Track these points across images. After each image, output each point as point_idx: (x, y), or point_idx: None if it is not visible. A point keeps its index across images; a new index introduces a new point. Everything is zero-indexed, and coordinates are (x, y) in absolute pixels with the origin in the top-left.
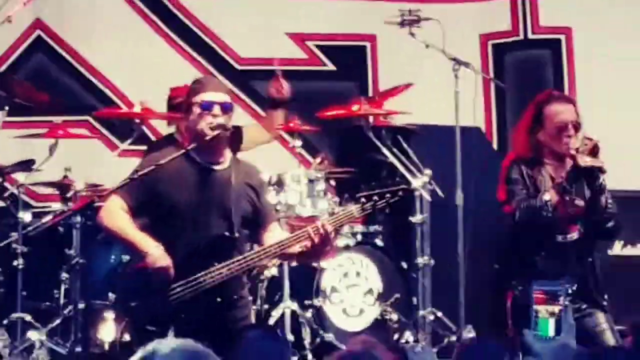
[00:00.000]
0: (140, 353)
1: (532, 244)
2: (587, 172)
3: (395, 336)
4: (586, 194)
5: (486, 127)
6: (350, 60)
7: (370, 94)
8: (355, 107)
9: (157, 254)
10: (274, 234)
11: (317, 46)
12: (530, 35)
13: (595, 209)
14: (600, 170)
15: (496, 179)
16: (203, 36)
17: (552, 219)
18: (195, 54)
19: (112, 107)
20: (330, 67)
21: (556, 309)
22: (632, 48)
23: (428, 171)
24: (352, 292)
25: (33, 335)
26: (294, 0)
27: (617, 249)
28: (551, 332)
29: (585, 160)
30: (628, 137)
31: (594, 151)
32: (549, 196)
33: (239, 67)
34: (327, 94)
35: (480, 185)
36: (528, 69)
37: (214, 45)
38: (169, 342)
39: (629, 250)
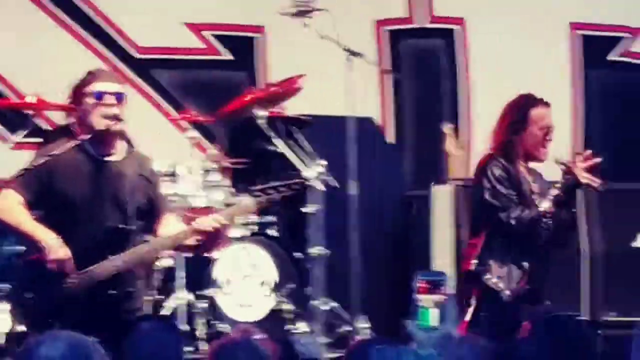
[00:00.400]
0: (26, 345)
1: (513, 245)
2: (578, 187)
3: (289, 326)
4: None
5: (382, 116)
6: (246, 50)
7: (264, 84)
8: (249, 98)
9: (55, 244)
10: (169, 225)
11: (214, 36)
12: (425, 24)
13: (561, 220)
14: (596, 190)
15: (390, 169)
16: (102, 25)
17: (548, 230)
18: (94, 44)
19: (4, 98)
20: (226, 57)
21: (439, 298)
22: (524, 40)
23: (322, 161)
24: (246, 283)
25: None
26: None
27: None
28: (434, 321)
29: (584, 177)
30: None
31: (592, 168)
32: (547, 205)
33: (138, 56)
34: (223, 83)
35: (374, 175)
36: (423, 58)
37: (113, 34)
38: (54, 334)
39: None
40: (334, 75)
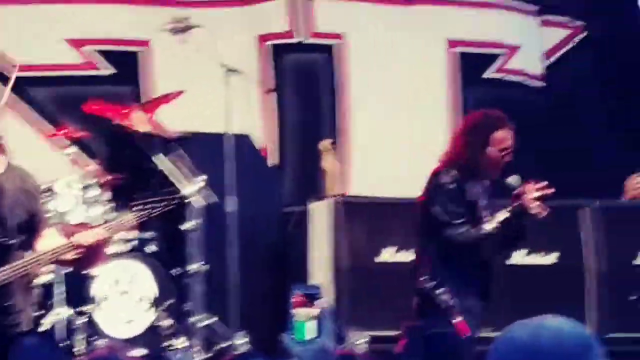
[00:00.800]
0: None
1: (464, 261)
2: (525, 214)
3: (168, 342)
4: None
5: (263, 132)
6: (127, 65)
7: (145, 99)
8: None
9: None
10: (49, 240)
11: (95, 51)
12: (307, 39)
13: (504, 241)
14: (537, 217)
15: (269, 185)
16: None
17: (491, 250)
18: None
19: None
20: (107, 72)
21: (314, 312)
22: (402, 56)
23: (201, 177)
24: (125, 299)
25: None
26: (71, 5)
27: (388, 255)
28: (310, 335)
29: (534, 206)
30: (400, 142)
31: (542, 198)
32: (491, 227)
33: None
34: (107, 99)
35: (253, 191)
36: (305, 72)
37: None
38: None
39: (531, 259)
40: (213, 92)
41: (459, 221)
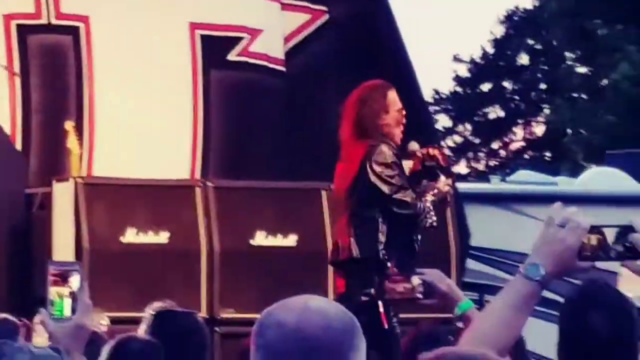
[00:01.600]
0: None
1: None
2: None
3: None
4: None
5: (9, 113)
6: None
7: None
8: None
9: None
10: None
11: None
12: (53, 21)
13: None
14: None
15: (11, 167)
16: None
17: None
18: None
19: None
20: None
21: (67, 290)
22: (147, 39)
23: None
24: None
25: None
26: None
27: (132, 236)
28: (66, 312)
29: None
30: (144, 125)
31: (444, 159)
32: (431, 199)
33: None
34: None
35: None
36: (51, 54)
37: None
38: None
39: (271, 241)
40: None
41: (408, 189)
